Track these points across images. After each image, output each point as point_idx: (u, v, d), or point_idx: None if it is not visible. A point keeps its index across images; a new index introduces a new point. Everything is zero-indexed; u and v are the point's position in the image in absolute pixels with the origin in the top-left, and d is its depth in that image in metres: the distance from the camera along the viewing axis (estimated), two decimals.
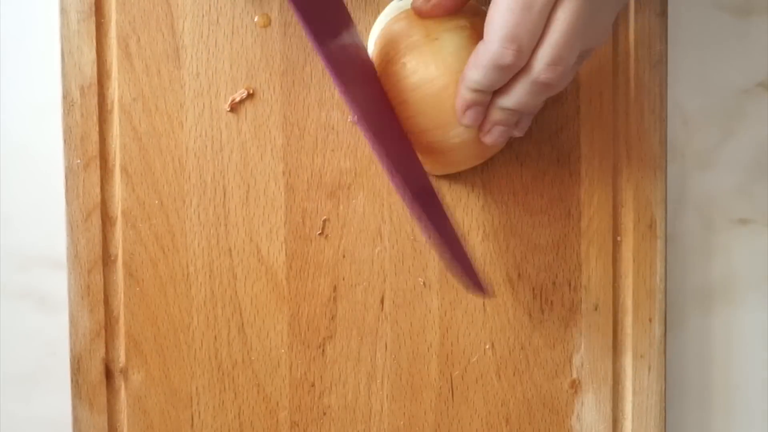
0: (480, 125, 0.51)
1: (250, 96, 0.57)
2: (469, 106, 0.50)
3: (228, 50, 0.57)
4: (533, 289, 0.58)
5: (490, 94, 0.50)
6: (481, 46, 0.48)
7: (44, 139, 0.60)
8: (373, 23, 0.56)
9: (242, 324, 0.58)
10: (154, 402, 0.58)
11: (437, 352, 0.59)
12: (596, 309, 0.59)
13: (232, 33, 0.57)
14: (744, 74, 0.62)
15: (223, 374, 0.58)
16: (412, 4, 0.53)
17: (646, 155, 0.58)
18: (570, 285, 0.59)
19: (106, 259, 0.58)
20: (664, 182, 0.59)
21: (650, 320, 0.59)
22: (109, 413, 0.58)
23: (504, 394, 0.59)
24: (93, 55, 0.57)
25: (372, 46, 0.55)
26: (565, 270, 0.59)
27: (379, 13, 0.57)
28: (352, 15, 0.53)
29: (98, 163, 0.57)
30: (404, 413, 0.59)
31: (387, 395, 0.59)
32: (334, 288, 0.58)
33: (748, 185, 0.62)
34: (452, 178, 0.58)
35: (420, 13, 0.52)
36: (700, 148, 0.62)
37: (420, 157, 0.54)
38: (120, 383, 0.58)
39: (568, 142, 0.58)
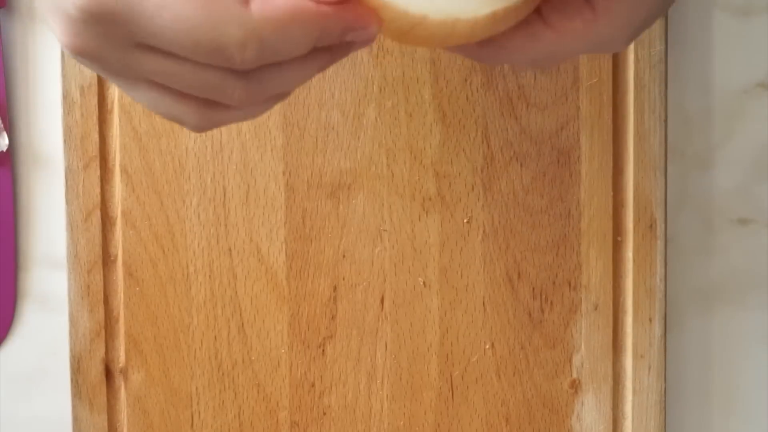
0: None
1: None
2: None
3: None
4: (533, 289, 0.58)
5: None
6: None
7: (44, 138, 0.60)
8: None
9: (242, 324, 0.58)
10: (154, 402, 0.58)
11: (437, 352, 0.59)
12: (596, 309, 0.59)
13: None
14: (744, 74, 0.62)
15: (223, 374, 0.58)
16: None
17: (646, 155, 0.58)
18: (570, 285, 0.59)
19: (106, 259, 0.58)
20: (664, 182, 0.59)
21: (650, 320, 0.59)
22: (109, 413, 0.58)
23: (504, 394, 0.59)
24: None
25: None
26: (565, 270, 0.59)
27: None
28: None
29: (98, 163, 0.57)
30: (404, 413, 0.59)
31: (387, 395, 0.59)
32: (334, 288, 0.58)
33: (748, 185, 0.62)
34: (452, 177, 0.58)
35: None
36: (700, 148, 0.62)
37: None
38: (120, 383, 0.58)
39: (568, 142, 0.58)
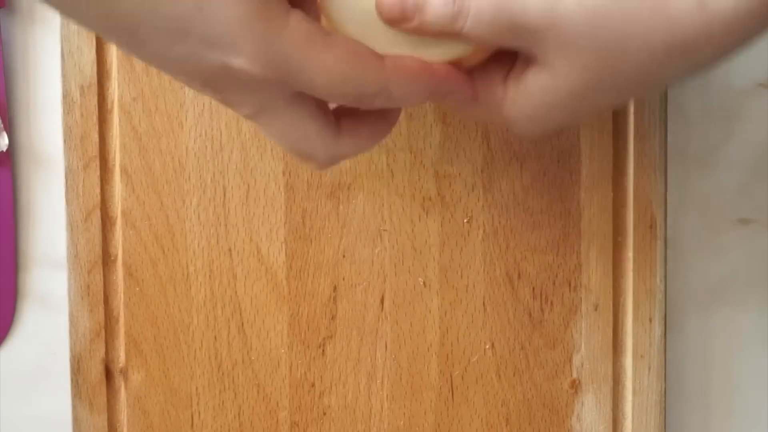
0: None
1: None
2: None
3: None
4: (533, 289, 0.58)
5: None
6: None
7: (44, 138, 0.60)
8: None
9: (242, 324, 0.58)
10: (154, 402, 0.58)
11: (437, 352, 0.59)
12: (596, 309, 0.59)
13: None
14: (744, 74, 0.62)
15: (223, 374, 0.58)
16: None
17: (647, 155, 0.58)
18: (570, 285, 0.59)
19: (106, 259, 0.58)
20: (665, 182, 0.59)
21: (650, 320, 0.59)
22: (109, 413, 0.58)
23: (504, 394, 0.59)
24: (93, 55, 0.57)
25: None
26: (565, 270, 0.59)
27: None
28: None
29: (98, 163, 0.57)
30: (404, 413, 0.59)
31: (387, 395, 0.59)
32: (334, 288, 0.58)
33: (748, 185, 0.62)
34: (452, 177, 0.58)
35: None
36: (701, 149, 0.62)
37: None
38: (120, 383, 0.58)
39: (568, 142, 0.58)
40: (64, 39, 0.57)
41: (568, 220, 0.58)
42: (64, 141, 0.57)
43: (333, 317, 0.58)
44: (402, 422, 0.59)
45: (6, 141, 0.60)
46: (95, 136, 0.57)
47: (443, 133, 0.58)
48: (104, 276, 0.58)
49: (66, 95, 0.57)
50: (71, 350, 0.58)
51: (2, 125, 0.60)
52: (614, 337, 0.59)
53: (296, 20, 0.40)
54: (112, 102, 0.57)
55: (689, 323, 0.63)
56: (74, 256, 0.57)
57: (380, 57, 0.42)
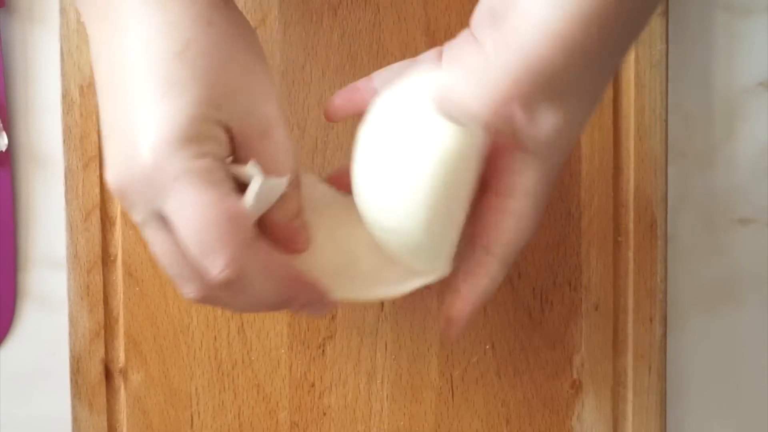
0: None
1: None
2: None
3: None
4: (533, 289, 0.58)
5: None
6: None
7: (43, 138, 0.60)
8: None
9: (242, 324, 0.58)
10: (153, 402, 0.58)
11: (437, 352, 0.59)
12: (597, 309, 0.59)
13: None
14: (745, 74, 0.62)
15: (222, 374, 0.58)
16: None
17: (647, 155, 0.58)
18: (570, 285, 0.59)
19: (106, 259, 0.58)
20: (665, 182, 0.59)
21: (651, 320, 0.59)
22: (109, 413, 0.58)
23: (504, 394, 0.59)
24: None
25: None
26: (565, 270, 0.58)
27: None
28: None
29: (97, 163, 0.57)
30: (404, 413, 0.59)
31: (387, 395, 0.59)
32: None
33: (748, 185, 0.62)
34: None
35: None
36: (701, 148, 0.62)
37: None
38: (119, 383, 0.58)
39: None
40: (64, 38, 0.57)
41: (568, 220, 0.58)
42: (64, 141, 0.57)
43: (333, 317, 0.58)
44: (402, 422, 0.59)
45: (5, 141, 0.60)
46: (95, 136, 0.57)
47: None
48: (104, 276, 0.58)
49: (65, 95, 0.57)
50: (71, 350, 0.58)
51: (2, 125, 0.60)
52: (614, 337, 0.59)
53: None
54: None
55: (690, 323, 0.63)
56: (74, 256, 0.57)
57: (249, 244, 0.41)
